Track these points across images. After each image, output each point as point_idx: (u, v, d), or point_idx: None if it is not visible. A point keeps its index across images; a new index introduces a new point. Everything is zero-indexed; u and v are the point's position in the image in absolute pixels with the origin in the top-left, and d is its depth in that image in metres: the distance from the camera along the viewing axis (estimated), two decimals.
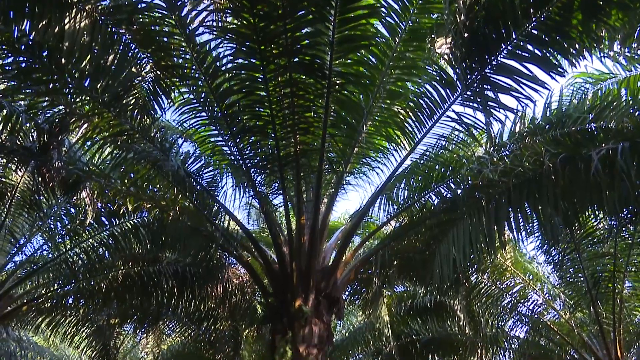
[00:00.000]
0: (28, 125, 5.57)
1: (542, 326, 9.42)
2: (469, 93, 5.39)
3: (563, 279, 8.77)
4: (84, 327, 9.37)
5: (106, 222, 7.41)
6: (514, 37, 4.70)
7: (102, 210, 7.23)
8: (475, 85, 5.22)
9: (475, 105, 5.55)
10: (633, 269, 8.07)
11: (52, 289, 8.26)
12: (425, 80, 5.66)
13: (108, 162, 6.34)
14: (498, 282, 8.83)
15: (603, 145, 4.32)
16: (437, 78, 5.56)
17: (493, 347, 10.03)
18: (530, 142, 5.60)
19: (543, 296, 9.15)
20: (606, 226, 7.63)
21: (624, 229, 7.42)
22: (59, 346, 14.08)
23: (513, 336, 9.97)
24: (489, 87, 5.22)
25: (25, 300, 8.25)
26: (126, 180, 6.67)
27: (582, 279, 8.14)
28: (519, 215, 5.20)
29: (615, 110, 5.20)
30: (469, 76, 5.15)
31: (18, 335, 11.94)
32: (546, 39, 4.73)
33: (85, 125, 5.52)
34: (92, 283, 7.89)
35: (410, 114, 5.98)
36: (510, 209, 5.16)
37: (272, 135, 5.56)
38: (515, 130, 5.99)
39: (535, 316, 9.28)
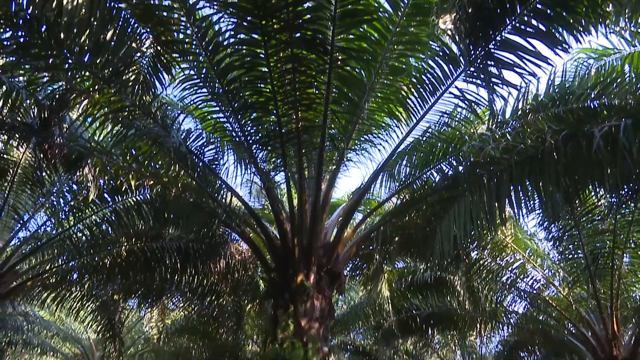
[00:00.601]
0: (28, 101, 5.54)
1: (540, 301, 9.54)
2: (472, 69, 5.34)
3: (562, 256, 8.84)
4: (88, 302, 9.51)
5: (109, 199, 7.44)
6: (518, 11, 4.62)
7: (105, 187, 7.26)
8: (478, 61, 5.16)
9: (479, 81, 5.50)
10: (632, 246, 8.12)
11: (56, 264, 8.36)
12: (428, 56, 5.61)
13: (109, 138, 6.34)
14: (498, 259, 8.90)
15: (606, 122, 4.30)
16: (441, 54, 5.51)
17: (492, 321, 10.19)
18: (533, 119, 5.58)
19: (542, 272, 9.23)
20: (606, 203, 7.65)
21: (624, 206, 7.44)
22: (64, 320, 14.32)
23: (512, 311, 10.12)
24: (492, 63, 5.17)
25: (30, 276, 8.35)
26: (128, 157, 6.68)
27: (581, 255, 8.20)
28: (520, 192, 5.20)
29: (619, 87, 5.16)
30: (472, 52, 5.09)
31: (24, 309, 12.14)
32: (551, 14, 4.66)
33: (86, 101, 5.50)
34: (96, 259, 7.98)
35: (413, 90, 5.94)
36: (511, 186, 5.17)
37: (274, 111, 5.54)
38: (517, 107, 5.95)
39: (534, 292, 9.39)
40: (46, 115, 5.30)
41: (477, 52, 5.07)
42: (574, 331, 9.32)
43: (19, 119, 5.58)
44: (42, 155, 5.58)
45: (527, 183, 5.14)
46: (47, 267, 8.39)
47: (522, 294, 9.58)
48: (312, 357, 5.44)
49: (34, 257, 8.49)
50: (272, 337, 5.80)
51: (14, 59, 5.21)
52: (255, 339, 12.49)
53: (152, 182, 6.99)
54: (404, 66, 5.78)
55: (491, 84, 5.35)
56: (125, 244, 7.96)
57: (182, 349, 13.19)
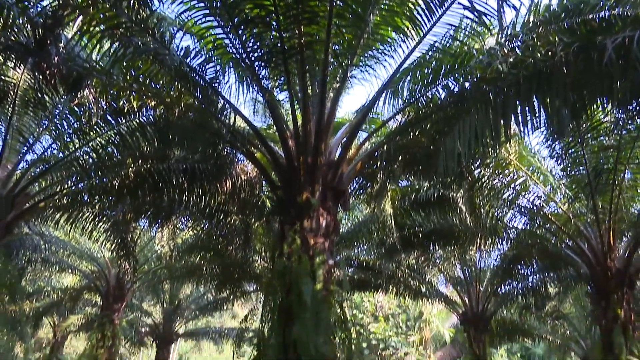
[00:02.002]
0: (21, 20, 5.34)
1: (540, 217, 9.75)
2: None
3: (565, 171, 8.91)
4: (101, 222, 9.78)
5: (112, 121, 7.43)
6: None
7: (107, 109, 7.21)
8: None
9: None
10: (636, 161, 8.15)
11: (66, 186, 8.52)
12: None
13: (108, 58, 6.19)
14: (501, 176, 8.99)
15: (619, 33, 4.15)
16: None
17: (492, 236, 10.51)
18: (544, 31, 5.36)
19: (544, 189, 9.36)
20: (612, 119, 7.58)
21: (630, 121, 7.37)
22: (79, 240, 14.87)
23: (512, 227, 10.39)
24: None
25: (42, 197, 8.54)
26: (128, 77, 6.56)
27: (583, 171, 8.26)
28: (527, 108, 5.14)
29: None
30: None
31: (40, 230, 12.57)
32: None
33: (80, 17, 5.30)
34: (105, 180, 8.12)
35: (420, 1, 5.68)
36: (518, 102, 5.10)
37: (276, 26, 5.36)
38: (528, 20, 5.70)
39: (535, 208, 9.57)
40: (41, 34, 5.14)
41: None
42: (571, 244, 9.63)
43: (13, 39, 5.42)
44: (41, 76, 5.49)
45: (534, 99, 5.06)
46: (57, 189, 8.56)
47: (522, 210, 9.78)
48: (317, 270, 5.68)
49: (43, 179, 8.64)
50: (280, 252, 6.02)
51: None
52: (263, 255, 13.00)
53: (154, 102, 6.93)
54: None
55: None
56: (132, 165, 8.06)
57: (194, 266, 13.80)
